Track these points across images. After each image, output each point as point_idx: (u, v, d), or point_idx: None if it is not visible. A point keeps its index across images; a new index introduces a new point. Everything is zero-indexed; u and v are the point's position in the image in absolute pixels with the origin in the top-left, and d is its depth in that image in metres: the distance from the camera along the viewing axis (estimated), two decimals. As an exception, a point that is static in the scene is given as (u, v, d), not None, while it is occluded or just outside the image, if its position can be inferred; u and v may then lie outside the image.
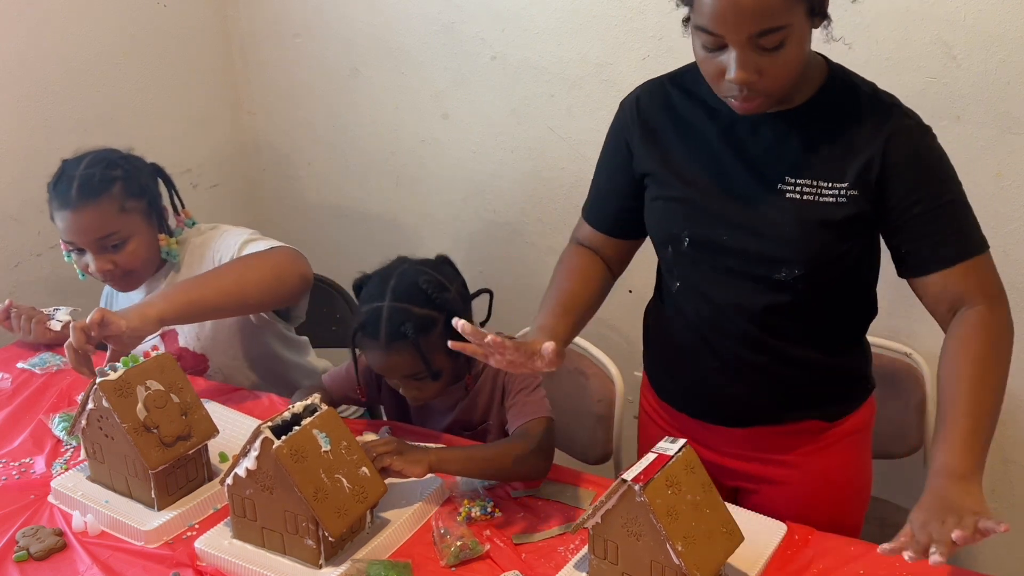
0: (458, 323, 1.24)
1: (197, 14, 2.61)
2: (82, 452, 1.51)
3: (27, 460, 1.59)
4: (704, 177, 1.36)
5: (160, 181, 1.85)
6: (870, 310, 1.46)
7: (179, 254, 1.84)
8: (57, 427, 1.65)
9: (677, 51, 2.07)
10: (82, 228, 1.70)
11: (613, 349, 2.23)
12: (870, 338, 1.51)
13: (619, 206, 1.52)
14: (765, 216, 1.32)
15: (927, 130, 1.29)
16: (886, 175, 1.26)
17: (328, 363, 2.12)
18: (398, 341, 1.48)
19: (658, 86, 1.45)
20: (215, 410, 1.59)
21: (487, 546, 1.34)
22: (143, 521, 1.38)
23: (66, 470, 1.54)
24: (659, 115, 1.41)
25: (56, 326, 1.95)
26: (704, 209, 1.36)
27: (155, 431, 1.39)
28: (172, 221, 1.85)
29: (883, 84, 1.40)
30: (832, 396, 1.47)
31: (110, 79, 2.40)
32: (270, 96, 2.74)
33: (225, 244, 1.82)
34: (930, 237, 1.27)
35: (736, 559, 1.25)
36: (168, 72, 2.55)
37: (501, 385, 1.62)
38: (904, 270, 1.32)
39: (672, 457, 1.20)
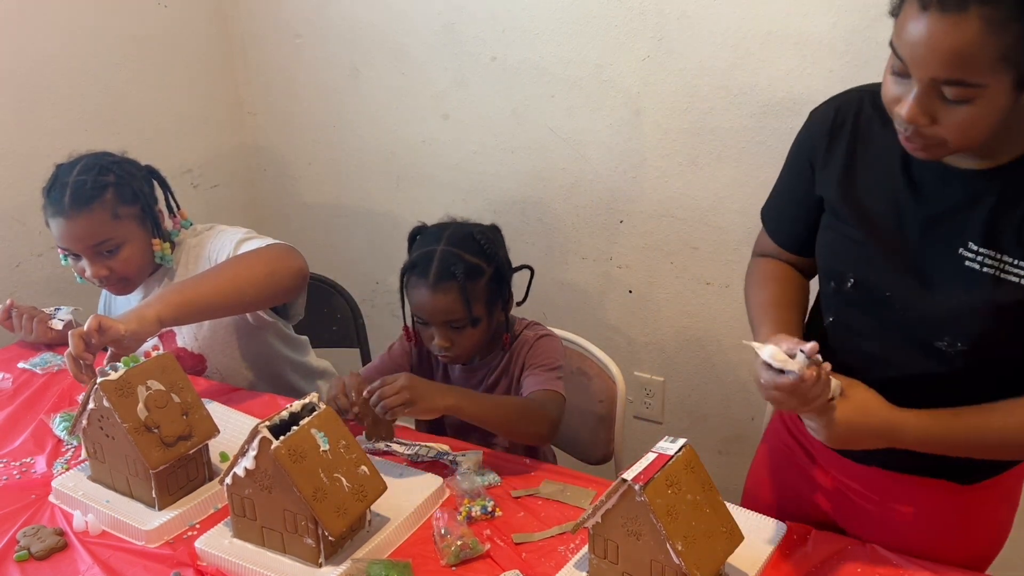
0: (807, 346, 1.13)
1: (197, 14, 2.61)
2: (83, 452, 1.51)
3: (28, 460, 1.59)
4: (883, 220, 1.23)
5: (156, 183, 1.85)
6: None
7: (173, 259, 1.85)
8: (58, 427, 1.66)
9: (677, 52, 2.09)
10: (76, 236, 1.71)
11: (614, 350, 2.24)
12: None
13: (804, 225, 1.37)
14: (936, 281, 1.19)
15: None
16: None
17: (328, 363, 2.13)
18: (446, 281, 1.56)
19: (855, 101, 1.28)
20: (216, 410, 1.60)
21: (487, 546, 1.34)
22: (144, 521, 1.38)
23: (67, 470, 1.54)
24: (849, 136, 1.26)
25: (58, 325, 1.95)
26: (875, 256, 1.24)
27: (156, 431, 1.39)
28: (168, 223, 1.86)
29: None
30: (970, 460, 1.28)
31: (110, 79, 2.40)
32: (270, 96, 2.75)
33: (220, 244, 1.83)
34: None
35: (736, 559, 1.25)
36: (168, 72, 2.55)
37: (523, 363, 1.68)
38: None
39: (672, 457, 1.21)
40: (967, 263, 1.16)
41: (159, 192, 1.86)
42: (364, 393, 1.44)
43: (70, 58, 2.31)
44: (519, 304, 1.76)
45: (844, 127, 1.27)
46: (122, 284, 1.80)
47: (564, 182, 2.34)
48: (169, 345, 1.88)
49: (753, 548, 1.28)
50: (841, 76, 1.86)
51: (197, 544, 1.33)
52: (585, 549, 1.27)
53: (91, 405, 1.40)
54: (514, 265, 1.72)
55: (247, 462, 1.26)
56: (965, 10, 0.97)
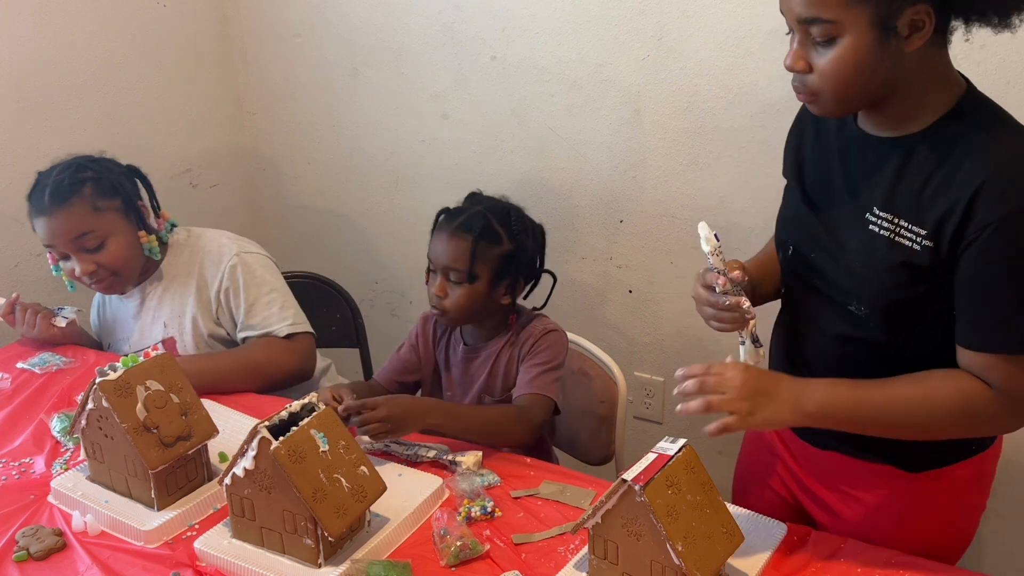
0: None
1: (197, 14, 2.61)
2: (82, 452, 1.51)
3: (27, 460, 1.59)
4: (815, 188, 1.33)
5: (138, 182, 1.88)
6: None
7: (158, 251, 1.87)
8: (55, 428, 1.65)
9: (677, 51, 2.09)
10: (58, 231, 1.74)
11: (614, 350, 2.23)
12: None
13: None
14: (845, 244, 1.27)
15: None
16: (962, 231, 1.14)
17: (330, 360, 2.12)
18: (463, 232, 1.67)
19: None
20: (215, 410, 1.59)
21: (487, 546, 1.34)
22: (143, 521, 1.38)
23: (66, 470, 1.54)
24: (811, 123, 1.37)
25: (61, 323, 1.96)
26: (805, 225, 1.34)
27: (155, 431, 1.39)
28: (153, 222, 1.88)
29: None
30: (913, 445, 1.32)
31: (110, 79, 2.40)
32: (270, 96, 2.75)
33: (210, 259, 1.86)
34: (977, 314, 1.17)
35: (736, 559, 1.25)
36: (168, 72, 2.55)
37: (526, 354, 1.72)
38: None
39: (672, 457, 1.21)
40: (871, 227, 1.23)
41: (144, 193, 1.89)
42: (342, 411, 1.49)
43: (70, 58, 2.31)
44: (537, 310, 1.82)
45: (802, 122, 1.39)
46: (111, 280, 1.81)
47: (564, 182, 2.34)
48: (171, 352, 1.89)
49: (753, 548, 1.28)
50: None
51: (196, 544, 1.33)
52: (585, 549, 1.27)
53: (90, 405, 1.39)
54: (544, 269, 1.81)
55: (246, 462, 1.26)
56: None
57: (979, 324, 1.18)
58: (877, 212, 1.23)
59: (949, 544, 1.42)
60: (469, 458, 1.52)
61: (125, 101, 2.45)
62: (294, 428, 1.28)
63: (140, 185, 1.88)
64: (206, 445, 1.47)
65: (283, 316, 1.86)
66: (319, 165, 2.76)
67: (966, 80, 1.21)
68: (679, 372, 1.29)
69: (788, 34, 1.19)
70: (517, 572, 1.29)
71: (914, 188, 1.19)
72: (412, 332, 1.87)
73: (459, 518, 1.39)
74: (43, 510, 1.45)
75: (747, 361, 1.33)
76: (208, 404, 1.54)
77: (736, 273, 1.33)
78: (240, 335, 1.87)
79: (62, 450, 1.61)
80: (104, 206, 1.77)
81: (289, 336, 1.85)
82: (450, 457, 1.54)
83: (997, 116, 1.19)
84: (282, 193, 2.87)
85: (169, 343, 1.89)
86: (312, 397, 1.35)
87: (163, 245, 1.91)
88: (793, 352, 1.44)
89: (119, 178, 1.82)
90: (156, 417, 1.39)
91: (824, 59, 1.14)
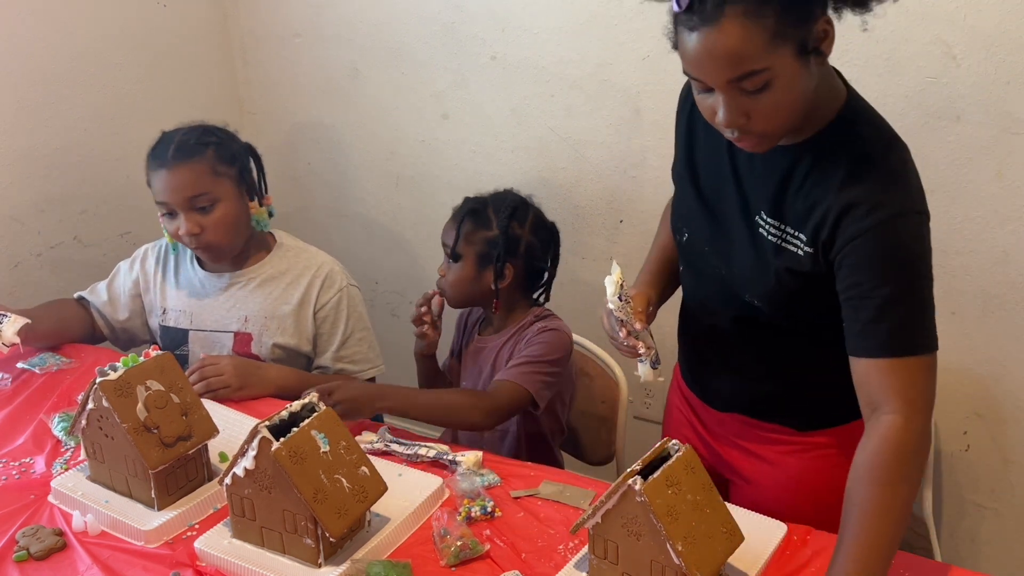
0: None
1: (197, 14, 2.61)
2: (82, 452, 1.51)
3: (27, 460, 1.59)
4: (706, 184, 1.38)
5: (252, 161, 1.92)
6: None
7: (268, 225, 1.94)
8: (56, 427, 1.65)
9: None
10: (175, 186, 1.78)
11: (614, 350, 2.23)
12: None
13: None
14: (735, 244, 1.33)
15: (904, 208, 1.18)
16: (833, 242, 1.20)
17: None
18: (459, 214, 1.80)
19: None
20: (215, 410, 1.59)
21: (487, 546, 1.34)
22: (143, 521, 1.38)
23: (66, 470, 1.54)
24: (696, 111, 1.35)
25: (3, 350, 1.78)
26: (699, 221, 1.39)
27: (155, 431, 1.39)
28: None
29: (882, 84, 1.38)
30: (803, 409, 1.45)
31: (110, 79, 2.40)
32: (270, 96, 2.74)
33: (321, 280, 1.91)
34: (860, 322, 1.20)
35: (736, 559, 1.25)
36: (168, 72, 2.55)
37: (520, 349, 1.77)
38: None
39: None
40: (760, 230, 1.29)
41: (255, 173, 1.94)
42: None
43: (70, 58, 2.31)
44: (540, 304, 1.87)
45: (688, 100, 1.39)
46: (212, 248, 1.84)
47: (564, 182, 2.34)
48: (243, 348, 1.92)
49: (753, 548, 1.28)
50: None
51: (196, 544, 1.33)
52: (585, 549, 1.27)
53: (90, 405, 1.39)
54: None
55: (247, 462, 1.26)
56: (722, 14, 1.07)
57: (863, 331, 1.20)
58: (765, 217, 1.28)
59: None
60: (469, 458, 1.52)
61: (125, 101, 2.45)
62: (295, 429, 1.28)
63: (253, 165, 1.92)
64: (206, 445, 1.47)
65: (369, 357, 1.95)
66: (319, 165, 2.76)
67: (844, 83, 1.25)
68: None
69: (702, 92, 1.17)
70: (517, 572, 1.29)
71: (797, 197, 1.24)
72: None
73: (459, 518, 1.39)
74: (43, 510, 1.45)
75: (645, 379, 1.41)
76: (208, 404, 1.54)
77: (638, 325, 1.40)
78: (325, 362, 1.92)
79: (62, 450, 1.61)
80: (222, 171, 1.82)
81: (370, 380, 1.96)
82: (450, 457, 1.54)
83: (874, 127, 1.23)
84: (282, 193, 2.85)
85: (244, 338, 1.89)
86: (312, 397, 1.35)
87: (265, 233, 1.96)
88: (694, 331, 1.53)
89: (239, 150, 1.88)
90: (156, 417, 1.39)
91: (763, 104, 1.13)
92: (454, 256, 1.78)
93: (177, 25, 2.55)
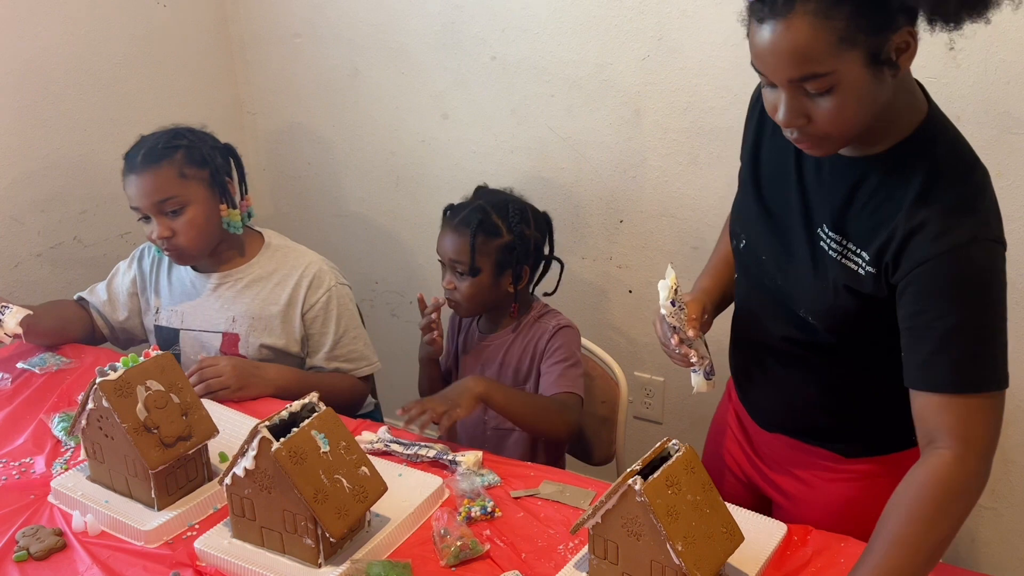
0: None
1: (197, 14, 2.61)
2: (82, 452, 1.51)
3: (27, 460, 1.59)
4: (769, 188, 1.33)
5: (232, 161, 1.91)
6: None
7: (239, 228, 1.89)
8: (56, 427, 1.65)
9: (677, 51, 2.09)
10: (143, 191, 1.79)
11: (615, 350, 2.23)
12: None
13: None
14: (795, 254, 1.27)
15: (977, 235, 1.11)
16: (898, 265, 1.14)
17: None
18: (463, 227, 1.75)
19: None
20: (215, 410, 1.59)
21: (487, 546, 1.34)
22: (143, 521, 1.38)
23: (66, 470, 1.54)
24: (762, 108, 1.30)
25: (7, 340, 1.83)
26: (758, 226, 1.34)
27: (155, 431, 1.39)
28: (237, 202, 1.91)
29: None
30: (850, 435, 1.39)
31: (110, 79, 2.40)
32: (270, 96, 2.74)
33: (308, 280, 1.89)
34: (921, 353, 1.14)
35: (736, 559, 1.25)
36: (168, 72, 2.55)
37: (541, 351, 1.78)
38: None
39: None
40: (820, 243, 1.24)
41: (235, 174, 1.92)
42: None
43: (70, 58, 2.31)
44: (548, 295, 1.89)
45: (759, 101, 1.32)
46: (181, 251, 1.83)
47: (564, 182, 2.34)
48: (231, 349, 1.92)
49: (753, 548, 1.28)
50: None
51: (196, 544, 1.33)
52: (585, 549, 1.27)
53: (90, 405, 1.39)
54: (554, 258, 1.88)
55: (247, 462, 1.26)
56: (792, 10, 1.04)
57: (924, 363, 1.14)
58: (827, 231, 1.23)
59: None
60: (469, 458, 1.52)
61: (125, 101, 2.45)
62: (295, 429, 1.28)
63: (232, 165, 1.91)
64: (206, 445, 1.47)
65: (365, 355, 1.96)
66: (319, 165, 2.76)
67: (928, 99, 1.20)
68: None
69: (766, 86, 1.14)
70: (517, 572, 1.29)
71: (863, 213, 1.19)
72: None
73: (459, 518, 1.39)
74: (43, 510, 1.45)
75: (699, 390, 1.39)
76: (208, 404, 1.54)
77: (691, 333, 1.36)
78: (319, 362, 1.91)
79: (62, 450, 1.61)
80: (190, 174, 1.81)
81: (365, 377, 1.97)
82: (450, 457, 1.54)
83: (952, 147, 1.17)
84: (282, 193, 2.86)
85: (231, 339, 1.89)
86: (312, 397, 1.35)
87: (246, 231, 1.93)
88: (751, 334, 1.45)
89: (211, 151, 1.86)
90: (156, 417, 1.39)
91: (825, 108, 1.09)
92: (473, 272, 1.75)
93: (177, 25, 2.54)
